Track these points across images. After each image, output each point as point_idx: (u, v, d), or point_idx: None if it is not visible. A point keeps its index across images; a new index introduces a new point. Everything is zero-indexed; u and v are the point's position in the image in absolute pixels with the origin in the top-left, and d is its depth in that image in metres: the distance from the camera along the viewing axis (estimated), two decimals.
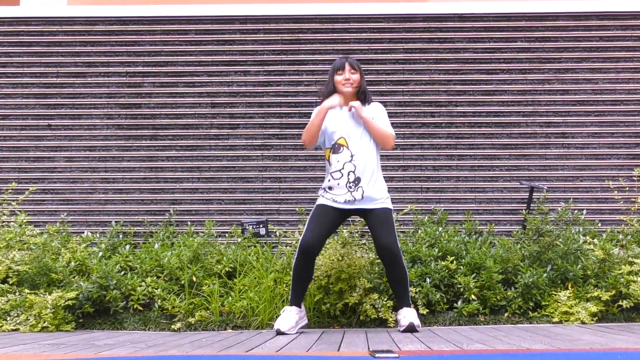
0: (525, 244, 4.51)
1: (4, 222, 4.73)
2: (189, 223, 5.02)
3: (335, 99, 3.78)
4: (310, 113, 3.89)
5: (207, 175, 5.18)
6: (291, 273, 3.81)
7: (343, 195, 3.74)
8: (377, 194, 3.76)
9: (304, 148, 5.12)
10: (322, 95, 3.90)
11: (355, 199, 3.73)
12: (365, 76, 5.15)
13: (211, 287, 4.25)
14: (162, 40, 5.31)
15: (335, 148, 3.79)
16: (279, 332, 3.63)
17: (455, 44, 5.25)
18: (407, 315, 3.72)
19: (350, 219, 4.59)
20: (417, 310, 4.12)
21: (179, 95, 5.26)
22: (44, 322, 3.98)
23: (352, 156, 3.75)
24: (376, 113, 3.86)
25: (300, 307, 3.79)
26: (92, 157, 5.22)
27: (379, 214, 3.75)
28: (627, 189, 4.92)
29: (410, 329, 3.65)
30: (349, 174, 3.74)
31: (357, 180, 3.73)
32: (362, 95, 3.87)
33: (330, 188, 3.79)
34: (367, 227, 4.68)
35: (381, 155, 5.12)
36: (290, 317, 3.72)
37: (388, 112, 5.12)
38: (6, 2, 5.77)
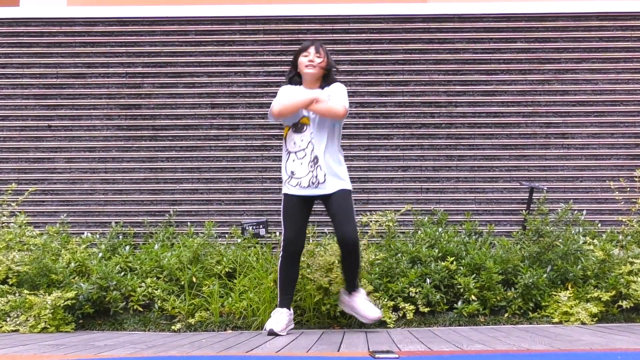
0: (525, 245, 4.50)
1: (3, 223, 4.73)
2: (188, 224, 5.02)
3: (320, 95, 3.72)
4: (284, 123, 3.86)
5: (207, 175, 5.19)
6: (277, 276, 3.82)
7: (306, 177, 3.72)
8: (336, 174, 3.75)
9: None
10: (287, 78, 3.96)
11: (318, 180, 3.70)
12: (365, 77, 5.18)
13: (211, 288, 4.25)
14: (162, 41, 5.31)
15: (299, 127, 3.77)
16: (272, 333, 3.61)
17: (455, 44, 5.25)
18: (369, 306, 3.77)
19: None
20: (418, 310, 4.13)
21: (178, 95, 5.26)
22: (44, 322, 3.98)
23: (311, 134, 3.74)
24: (333, 92, 3.80)
25: (289, 309, 3.80)
26: (92, 157, 5.22)
27: (339, 199, 3.72)
28: (627, 189, 4.92)
29: (377, 320, 3.75)
30: (311, 153, 3.73)
31: (316, 159, 3.71)
32: (325, 83, 3.84)
33: (293, 173, 3.76)
34: (367, 228, 4.70)
35: (381, 156, 5.16)
36: (282, 318, 3.71)
37: (387, 113, 5.16)
38: (6, 3, 5.77)
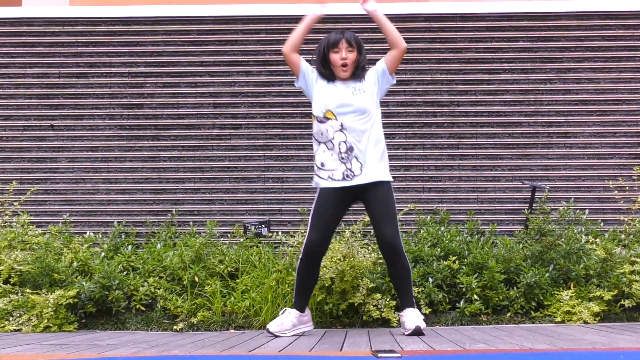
0: (527, 244, 4.50)
1: (6, 222, 4.73)
2: (191, 223, 5.02)
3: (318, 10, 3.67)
4: (312, 112, 3.76)
5: (210, 175, 5.19)
6: (295, 276, 3.64)
7: (339, 169, 3.52)
8: (374, 165, 3.54)
9: (306, 148, 5.12)
10: (318, 70, 3.70)
11: (353, 173, 3.50)
12: None
13: (213, 287, 4.25)
14: (164, 41, 5.31)
15: (323, 119, 3.57)
16: (268, 332, 3.50)
17: (457, 43, 5.25)
18: (413, 318, 3.53)
19: (351, 218, 4.59)
20: (420, 310, 4.11)
21: (181, 95, 5.27)
22: (46, 321, 3.98)
23: (341, 125, 3.52)
24: (373, 69, 3.69)
25: (303, 311, 3.62)
26: (95, 157, 5.22)
27: (378, 195, 3.53)
28: (627, 188, 4.90)
29: (417, 332, 3.45)
30: (339, 144, 3.52)
31: (350, 149, 3.51)
32: (358, 72, 3.64)
33: (322, 164, 3.56)
34: (369, 227, 4.69)
35: None
36: (287, 318, 3.57)
37: (390, 112, 5.16)
38: (8, 2, 5.78)
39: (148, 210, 5.15)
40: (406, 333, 3.52)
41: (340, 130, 3.54)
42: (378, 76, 3.68)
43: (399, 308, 3.81)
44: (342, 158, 3.53)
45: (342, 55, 3.58)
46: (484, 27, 5.25)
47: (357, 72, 3.67)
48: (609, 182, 4.93)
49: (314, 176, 3.67)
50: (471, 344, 3.09)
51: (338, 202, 3.57)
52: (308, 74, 3.69)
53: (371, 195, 3.56)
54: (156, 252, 4.54)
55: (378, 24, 3.70)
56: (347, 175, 3.52)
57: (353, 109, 3.56)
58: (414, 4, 5.33)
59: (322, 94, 3.62)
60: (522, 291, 4.19)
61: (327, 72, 3.66)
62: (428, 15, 5.26)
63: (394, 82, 3.75)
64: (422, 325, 3.52)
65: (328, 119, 3.57)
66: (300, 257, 3.59)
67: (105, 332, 4.08)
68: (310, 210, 3.62)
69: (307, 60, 3.73)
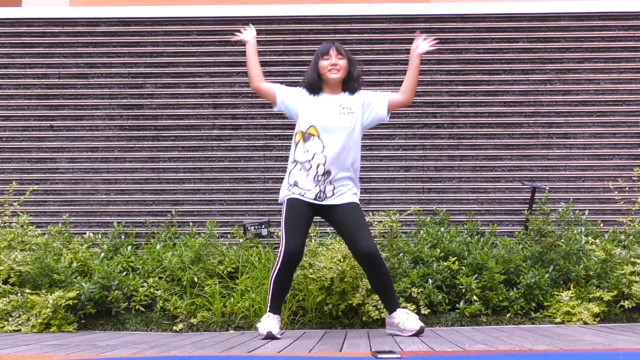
0: (527, 245, 4.50)
1: (5, 222, 4.73)
2: (190, 224, 5.02)
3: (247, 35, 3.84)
4: (295, 132, 3.73)
5: (209, 176, 5.19)
6: (271, 283, 3.55)
7: (312, 190, 3.53)
8: (348, 188, 3.57)
9: None
10: (305, 81, 3.69)
11: (326, 195, 3.52)
12: (367, 77, 5.17)
13: (213, 288, 4.25)
14: (164, 41, 5.31)
15: (306, 136, 3.56)
16: (271, 336, 3.41)
17: (457, 44, 5.25)
18: (411, 320, 3.53)
19: None
20: (419, 311, 4.11)
21: (180, 96, 5.27)
22: (46, 322, 3.98)
23: (323, 147, 3.52)
24: (372, 96, 3.69)
25: (279, 315, 3.59)
26: (94, 157, 5.22)
27: (348, 210, 3.54)
28: (627, 189, 4.90)
29: (421, 332, 3.47)
30: (317, 167, 3.52)
31: (327, 173, 3.52)
32: (351, 83, 3.65)
33: (296, 182, 3.55)
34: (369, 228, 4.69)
35: (383, 156, 5.16)
36: (275, 322, 3.52)
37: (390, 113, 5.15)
38: (8, 3, 5.78)
39: (148, 210, 5.15)
40: (407, 334, 3.51)
41: (322, 152, 3.53)
42: (373, 104, 3.68)
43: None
44: (318, 180, 3.54)
45: (332, 61, 3.60)
46: (484, 28, 5.25)
47: (350, 84, 3.66)
48: (609, 183, 4.94)
49: (281, 191, 3.65)
50: (471, 344, 3.09)
51: (307, 212, 3.57)
52: (289, 93, 3.70)
53: (339, 212, 3.57)
54: (156, 253, 4.53)
55: (410, 66, 3.76)
56: (319, 197, 3.55)
57: (337, 128, 3.55)
58: (414, 4, 5.33)
59: (308, 108, 3.61)
60: (522, 292, 4.19)
61: (317, 83, 3.65)
62: (428, 16, 5.27)
63: (387, 120, 3.76)
64: (422, 324, 3.55)
65: (311, 135, 3.56)
66: (276, 266, 3.51)
67: (105, 332, 4.07)
68: (281, 222, 3.58)
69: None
